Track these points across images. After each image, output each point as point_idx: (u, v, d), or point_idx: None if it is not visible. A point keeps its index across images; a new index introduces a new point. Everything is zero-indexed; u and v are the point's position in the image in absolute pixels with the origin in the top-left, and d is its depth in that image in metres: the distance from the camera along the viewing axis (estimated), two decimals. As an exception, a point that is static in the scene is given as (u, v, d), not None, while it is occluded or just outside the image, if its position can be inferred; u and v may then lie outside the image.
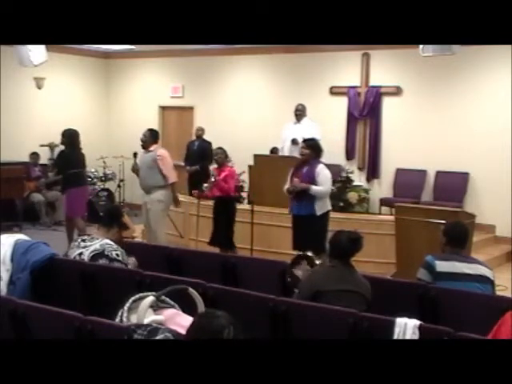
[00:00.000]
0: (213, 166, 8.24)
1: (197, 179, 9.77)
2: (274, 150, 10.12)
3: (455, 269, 4.25)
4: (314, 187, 6.43)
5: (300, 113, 9.06)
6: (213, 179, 7.38)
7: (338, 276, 3.95)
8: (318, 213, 6.49)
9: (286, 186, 6.66)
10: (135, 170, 7.76)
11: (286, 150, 9.08)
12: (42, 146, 11.11)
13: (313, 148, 6.64)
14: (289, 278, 4.32)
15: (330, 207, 6.72)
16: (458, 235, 4.49)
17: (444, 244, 4.47)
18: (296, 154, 8.82)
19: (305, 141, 6.87)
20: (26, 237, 4.65)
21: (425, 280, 4.27)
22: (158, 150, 7.62)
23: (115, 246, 4.50)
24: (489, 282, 4.31)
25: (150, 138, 7.63)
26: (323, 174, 6.54)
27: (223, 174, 7.42)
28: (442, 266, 4.27)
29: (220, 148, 7.74)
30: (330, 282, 3.90)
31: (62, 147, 8.46)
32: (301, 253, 4.54)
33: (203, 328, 2.26)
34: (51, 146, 11.05)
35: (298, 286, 4.10)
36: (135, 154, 7.92)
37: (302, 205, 6.52)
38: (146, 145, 7.63)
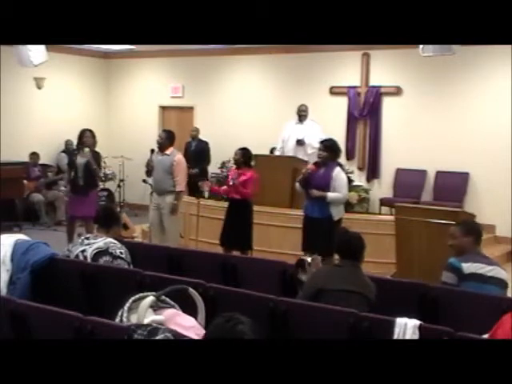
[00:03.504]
0: (231, 167, 7.99)
1: (196, 181, 9.78)
2: (273, 150, 10.12)
3: (482, 270, 4.17)
4: (330, 195, 6.24)
5: (304, 113, 9.04)
6: (231, 183, 6.96)
7: (342, 276, 3.95)
8: (336, 217, 6.33)
9: (299, 178, 6.49)
10: (149, 166, 7.70)
11: (287, 149, 9.01)
12: (63, 152, 10.98)
13: (330, 149, 6.42)
14: (295, 281, 4.32)
15: (344, 211, 6.61)
16: (480, 232, 4.45)
17: (469, 244, 4.31)
18: (301, 155, 8.80)
19: (322, 142, 6.65)
20: (26, 237, 4.65)
21: (450, 283, 4.17)
22: (176, 156, 7.64)
23: (119, 245, 4.54)
24: (505, 285, 4.25)
25: (166, 140, 7.62)
26: (340, 179, 6.34)
27: (242, 178, 7.01)
28: (470, 267, 4.16)
29: (242, 149, 7.23)
30: (333, 281, 3.90)
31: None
32: (302, 257, 4.54)
33: (226, 332, 2.23)
34: (68, 151, 10.51)
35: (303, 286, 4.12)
36: (152, 151, 7.84)
37: (315, 206, 6.35)
38: (162, 147, 7.62)
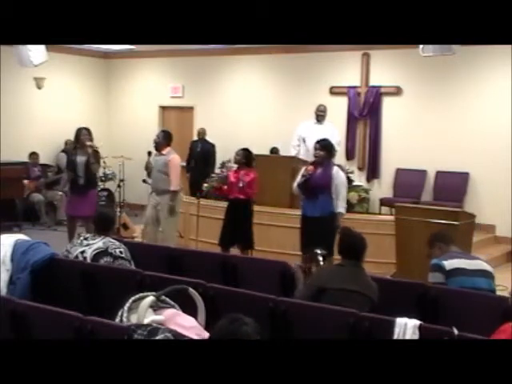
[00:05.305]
0: (232, 168, 8.01)
1: (197, 180, 9.77)
2: (274, 150, 10.12)
3: (464, 265, 4.33)
4: (343, 210, 6.46)
5: (323, 114, 8.81)
6: (241, 184, 7.00)
7: (344, 275, 3.96)
8: (344, 210, 6.50)
9: (297, 181, 6.55)
10: (148, 168, 7.77)
11: (307, 149, 8.48)
12: (63, 151, 10.84)
13: (326, 149, 6.55)
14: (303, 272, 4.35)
15: None
16: (441, 235, 4.76)
17: (440, 250, 4.60)
18: None
19: (318, 142, 6.69)
20: (26, 237, 4.66)
21: (438, 282, 4.29)
22: (171, 155, 7.65)
23: (118, 244, 4.55)
24: (492, 276, 4.40)
25: (163, 139, 7.65)
26: (340, 177, 6.51)
27: (248, 179, 7.09)
28: (451, 264, 4.33)
29: (244, 149, 7.34)
30: (335, 281, 3.91)
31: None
32: (318, 251, 4.57)
33: (230, 333, 2.23)
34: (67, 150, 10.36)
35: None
36: (149, 153, 7.92)
37: (316, 205, 6.40)
38: (158, 147, 7.65)
